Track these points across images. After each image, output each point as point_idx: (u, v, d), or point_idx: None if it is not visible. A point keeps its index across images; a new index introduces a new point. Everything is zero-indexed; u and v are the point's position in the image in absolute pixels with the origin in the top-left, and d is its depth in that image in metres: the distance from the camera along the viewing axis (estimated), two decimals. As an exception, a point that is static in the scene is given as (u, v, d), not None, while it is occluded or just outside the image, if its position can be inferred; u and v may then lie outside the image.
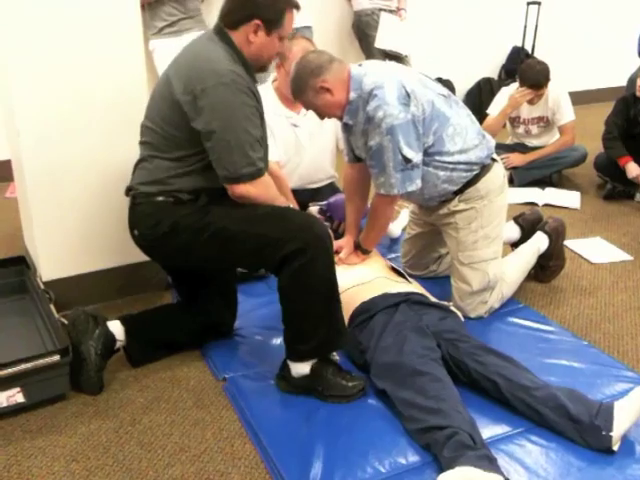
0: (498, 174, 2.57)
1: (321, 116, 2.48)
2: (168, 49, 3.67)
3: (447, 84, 5.61)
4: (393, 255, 3.10)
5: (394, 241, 3.29)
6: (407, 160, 2.32)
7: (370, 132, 2.34)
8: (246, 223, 2.03)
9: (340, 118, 2.44)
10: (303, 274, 1.97)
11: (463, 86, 5.69)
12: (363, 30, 4.77)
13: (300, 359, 2.09)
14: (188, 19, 3.96)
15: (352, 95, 2.36)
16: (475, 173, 2.49)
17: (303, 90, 2.36)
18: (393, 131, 2.28)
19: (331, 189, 3.30)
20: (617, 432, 1.85)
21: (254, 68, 2.10)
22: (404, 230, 3.38)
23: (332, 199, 3.12)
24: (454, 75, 5.60)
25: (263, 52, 2.08)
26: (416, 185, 2.38)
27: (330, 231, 2.14)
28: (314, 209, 3.13)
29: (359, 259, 2.62)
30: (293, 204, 2.48)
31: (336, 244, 2.60)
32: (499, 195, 2.56)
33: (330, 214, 3.11)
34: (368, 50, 4.81)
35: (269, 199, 2.08)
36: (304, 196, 3.16)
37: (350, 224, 2.69)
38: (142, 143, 2.19)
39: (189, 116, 1.99)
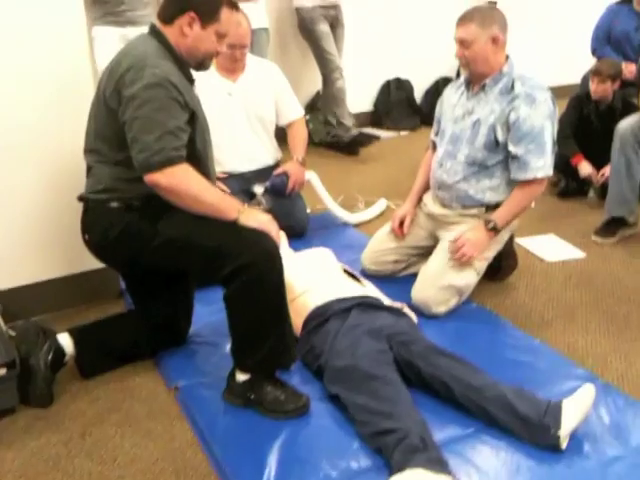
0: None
1: (466, 61, 2.61)
2: (109, 38, 3.61)
3: (406, 84, 5.67)
4: (345, 259, 3.06)
5: (349, 245, 3.28)
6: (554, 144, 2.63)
7: (523, 111, 2.52)
8: (196, 233, 2.01)
9: (479, 77, 2.63)
10: (251, 289, 1.95)
11: (422, 85, 5.74)
12: (307, 26, 4.72)
13: (243, 371, 2.08)
14: (135, 11, 3.87)
15: (505, 69, 2.60)
16: None
17: (488, 25, 2.53)
18: (553, 118, 2.58)
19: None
20: (565, 430, 1.87)
21: (191, 64, 2.11)
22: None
23: (275, 177, 3.18)
24: (412, 75, 5.66)
25: (199, 46, 2.07)
26: None
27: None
28: (259, 190, 3.14)
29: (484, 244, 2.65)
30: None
31: (398, 215, 2.88)
32: (512, 230, 2.80)
33: (274, 194, 3.16)
34: (316, 46, 4.77)
35: (189, 191, 1.96)
36: (250, 181, 3.20)
37: (415, 194, 2.93)
38: (86, 152, 2.17)
39: (115, 113, 1.99)
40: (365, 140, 4.93)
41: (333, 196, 3.63)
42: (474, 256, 2.61)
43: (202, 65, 2.14)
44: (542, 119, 2.54)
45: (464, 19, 2.57)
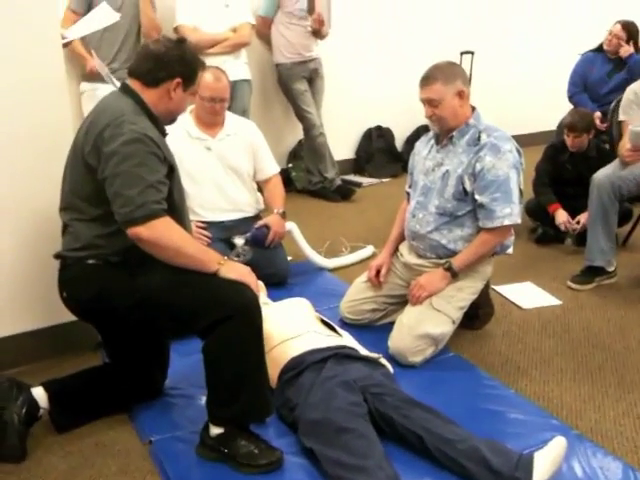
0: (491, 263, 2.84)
1: (437, 119, 2.66)
2: (97, 94, 3.67)
3: (387, 132, 5.76)
4: (326, 307, 3.09)
5: (330, 293, 3.30)
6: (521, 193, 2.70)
7: (488, 161, 2.58)
8: (175, 287, 2.03)
9: (449, 131, 2.66)
10: (229, 341, 1.98)
11: (403, 133, 5.84)
12: (285, 83, 4.88)
13: (218, 424, 2.08)
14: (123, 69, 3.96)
15: (472, 121, 2.65)
16: None
17: (451, 80, 2.60)
18: (519, 168, 2.63)
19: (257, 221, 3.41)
20: (536, 483, 1.88)
21: (166, 120, 2.22)
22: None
23: (256, 230, 3.26)
24: (394, 122, 5.76)
25: (179, 106, 2.23)
26: None
27: None
28: (239, 242, 3.22)
29: (444, 283, 2.69)
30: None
31: (374, 264, 2.91)
32: (486, 279, 2.83)
33: (254, 245, 3.24)
34: (294, 104, 4.93)
35: (172, 243, 1.99)
36: (229, 230, 3.28)
37: (391, 243, 2.97)
38: (62, 209, 2.21)
39: (95, 169, 2.04)
40: (348, 192, 5.03)
41: (317, 243, 3.67)
42: (422, 296, 2.67)
43: (173, 120, 2.27)
44: (507, 168, 2.59)
45: (428, 79, 2.64)
